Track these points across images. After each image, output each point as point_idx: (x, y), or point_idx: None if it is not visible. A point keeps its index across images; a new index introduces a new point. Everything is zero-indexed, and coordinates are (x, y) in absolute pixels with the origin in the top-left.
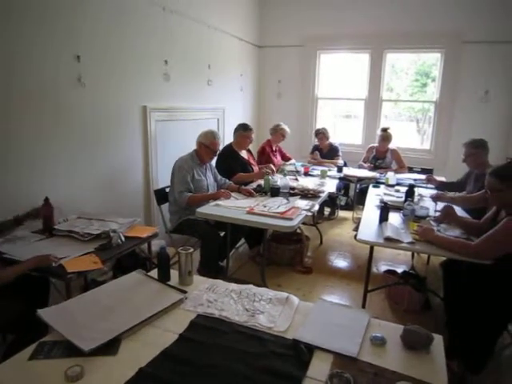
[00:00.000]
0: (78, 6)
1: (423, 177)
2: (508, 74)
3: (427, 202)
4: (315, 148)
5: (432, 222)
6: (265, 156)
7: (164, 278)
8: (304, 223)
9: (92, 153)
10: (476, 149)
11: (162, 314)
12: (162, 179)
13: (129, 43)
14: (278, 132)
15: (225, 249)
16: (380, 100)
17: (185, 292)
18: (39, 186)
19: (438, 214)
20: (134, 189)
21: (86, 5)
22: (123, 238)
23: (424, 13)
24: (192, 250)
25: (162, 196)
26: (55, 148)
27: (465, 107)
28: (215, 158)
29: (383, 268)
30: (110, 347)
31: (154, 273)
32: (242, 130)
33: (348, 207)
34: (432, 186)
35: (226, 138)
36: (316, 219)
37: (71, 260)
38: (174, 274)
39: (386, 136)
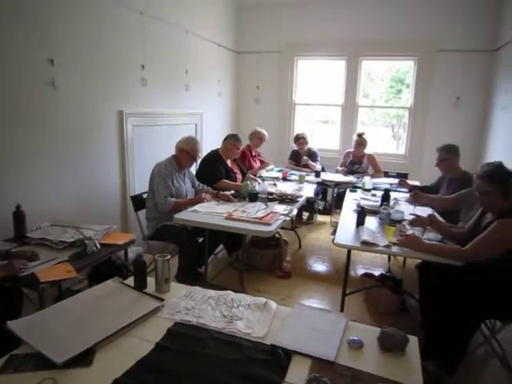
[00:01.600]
0: (53, 9)
1: (398, 181)
2: (478, 81)
3: (402, 205)
4: (294, 153)
5: (407, 226)
6: (246, 160)
7: (140, 285)
8: (283, 228)
9: (66, 158)
10: (449, 154)
11: (139, 323)
12: (139, 185)
13: (105, 47)
14: (256, 136)
15: (203, 255)
16: (356, 106)
17: (162, 300)
18: (11, 193)
19: (413, 217)
20: (111, 195)
21: (60, 8)
22: (99, 246)
23: (399, 22)
24: (169, 256)
25: (139, 202)
26: (28, 154)
27: (437, 113)
28: (195, 164)
29: (361, 271)
30: (83, 358)
31: (131, 281)
32: (234, 139)
33: (326, 211)
34: (405, 189)
35: (204, 143)
36: (294, 223)
37: (44, 269)
38: (151, 281)
39: (361, 141)
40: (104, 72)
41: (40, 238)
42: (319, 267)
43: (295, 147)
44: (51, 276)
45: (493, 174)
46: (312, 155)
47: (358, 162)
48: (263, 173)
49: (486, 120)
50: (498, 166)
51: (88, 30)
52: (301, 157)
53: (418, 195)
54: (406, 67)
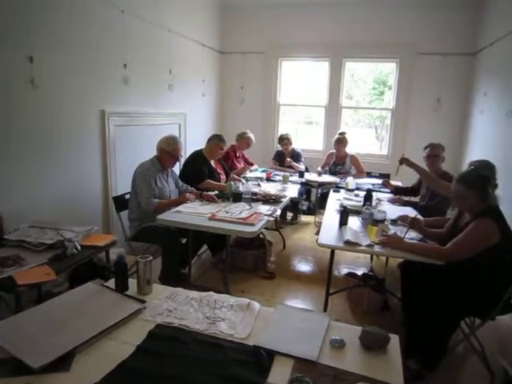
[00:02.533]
0: (32, 5)
1: (381, 181)
2: (458, 83)
3: (385, 205)
4: (278, 154)
5: (389, 226)
6: (229, 161)
7: (121, 287)
8: (267, 228)
9: (46, 158)
10: (440, 152)
11: (119, 326)
12: (122, 186)
13: (85, 45)
14: (244, 139)
15: (187, 256)
16: (340, 107)
17: (143, 302)
18: None
19: (396, 216)
20: (92, 196)
21: (40, 4)
22: (79, 247)
23: (381, 24)
24: (151, 258)
25: (121, 203)
26: (5, 153)
27: (419, 115)
28: (178, 164)
29: (344, 271)
30: (62, 363)
31: (112, 283)
32: (218, 140)
33: (310, 212)
34: (388, 190)
35: (188, 143)
36: (279, 224)
37: (22, 271)
38: (133, 283)
39: (340, 139)
40: (85, 71)
41: (18, 239)
42: (303, 267)
43: (279, 148)
44: (29, 279)
45: (470, 178)
46: (296, 156)
47: (340, 162)
48: (247, 173)
49: (465, 122)
50: (476, 170)
51: (69, 27)
52: (285, 157)
53: (396, 200)
54: (388, 69)
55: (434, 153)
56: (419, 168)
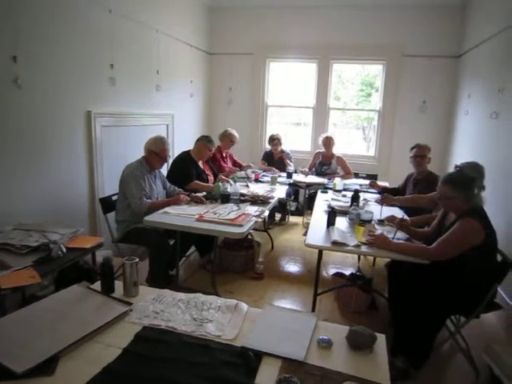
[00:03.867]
0: (15, 4)
1: (368, 182)
2: (443, 85)
3: (372, 206)
4: (267, 154)
5: (376, 226)
6: (216, 162)
7: (107, 290)
8: (255, 229)
9: (30, 159)
10: (427, 152)
11: (105, 329)
12: (108, 187)
13: (71, 45)
14: (226, 137)
15: (175, 257)
16: (327, 108)
17: (130, 304)
18: None
19: (383, 216)
20: (78, 197)
21: (23, 3)
22: (64, 250)
23: (368, 27)
24: (137, 259)
25: (108, 204)
26: None
27: (405, 116)
28: (166, 165)
29: (332, 271)
30: (46, 367)
31: (98, 285)
32: (206, 140)
33: (298, 212)
34: (375, 190)
35: (176, 144)
36: (267, 224)
37: (5, 275)
38: (120, 285)
39: (328, 137)
40: (71, 70)
41: (2, 242)
42: (292, 268)
43: (268, 148)
44: (13, 282)
45: (456, 180)
46: (285, 157)
47: (327, 162)
48: (248, 173)
49: (451, 123)
50: (462, 171)
51: (54, 26)
52: (274, 158)
53: (387, 198)
54: (375, 71)
55: (421, 153)
56: (400, 200)
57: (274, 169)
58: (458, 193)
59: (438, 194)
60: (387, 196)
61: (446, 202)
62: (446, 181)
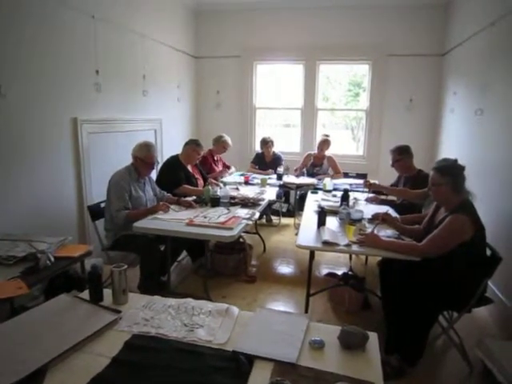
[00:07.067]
0: None
1: (358, 181)
2: (428, 84)
3: (362, 205)
4: (258, 157)
5: (367, 225)
6: (207, 165)
7: (96, 298)
8: (247, 232)
9: (17, 168)
10: (401, 155)
11: (94, 338)
12: (97, 194)
13: (55, 51)
14: (220, 143)
15: (166, 263)
16: (315, 109)
17: (119, 312)
18: None
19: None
20: (66, 205)
21: (6, 9)
22: (52, 259)
23: (353, 27)
24: (125, 266)
25: (96, 212)
26: None
27: (392, 115)
28: (155, 170)
29: (325, 271)
30: (33, 380)
31: (86, 294)
32: (195, 145)
33: (290, 214)
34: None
35: (165, 149)
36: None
37: None
38: (109, 293)
39: (326, 140)
40: (55, 77)
41: None
42: (284, 269)
43: (260, 151)
44: (0, 293)
45: (445, 167)
46: (277, 159)
47: (318, 163)
48: (226, 177)
49: (437, 121)
50: (452, 161)
51: (37, 32)
52: (266, 160)
53: (372, 184)
54: (362, 71)
55: (395, 158)
56: (388, 189)
57: (270, 171)
58: (446, 178)
59: (429, 185)
60: (373, 183)
61: (436, 190)
62: (435, 168)
